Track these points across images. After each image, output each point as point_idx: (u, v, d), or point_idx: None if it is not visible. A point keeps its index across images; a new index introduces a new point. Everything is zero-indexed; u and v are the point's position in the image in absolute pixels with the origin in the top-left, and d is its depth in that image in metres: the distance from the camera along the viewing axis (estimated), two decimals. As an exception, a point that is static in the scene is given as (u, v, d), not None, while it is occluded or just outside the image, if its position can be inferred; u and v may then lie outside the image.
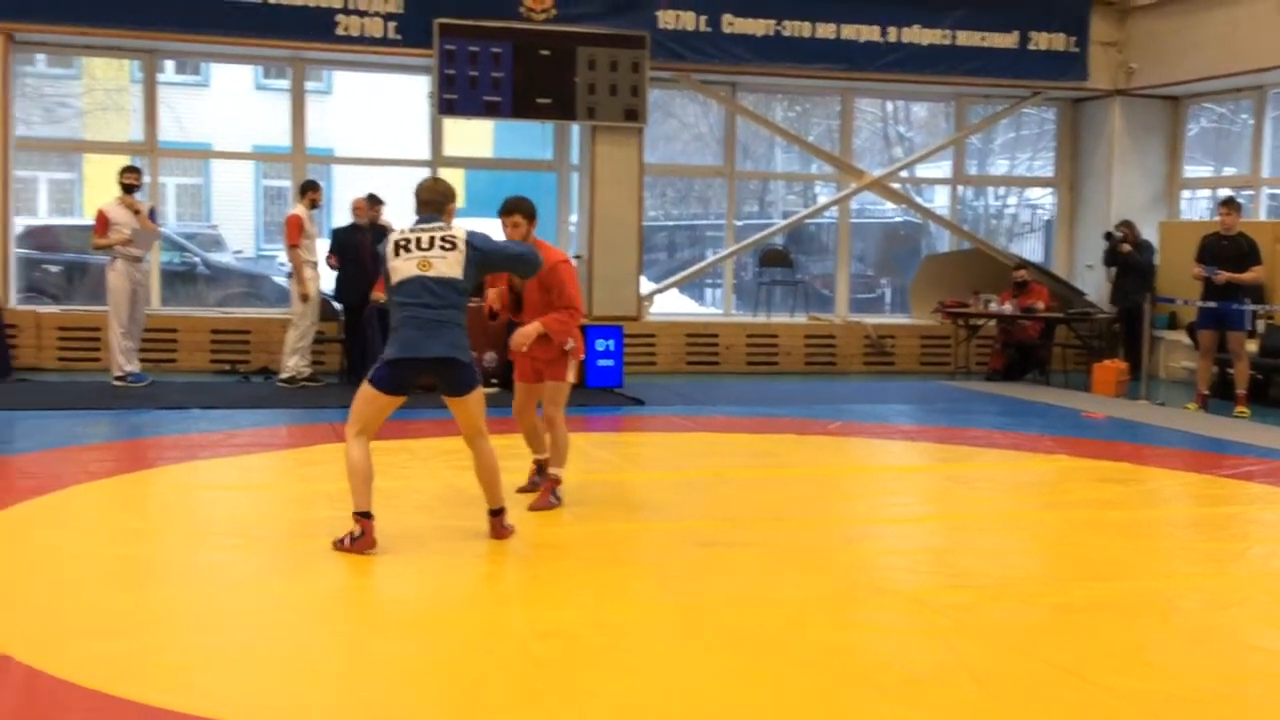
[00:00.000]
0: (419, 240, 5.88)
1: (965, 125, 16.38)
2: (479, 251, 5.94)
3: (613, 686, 4.14)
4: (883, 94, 17.65)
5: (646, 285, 15.35)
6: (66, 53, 17.16)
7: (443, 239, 5.88)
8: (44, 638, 4.43)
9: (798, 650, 4.55)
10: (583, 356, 7.17)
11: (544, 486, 6.90)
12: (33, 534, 6.16)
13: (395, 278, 5.88)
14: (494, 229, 6.69)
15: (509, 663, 4.37)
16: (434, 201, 6.07)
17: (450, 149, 14.92)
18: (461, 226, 6.04)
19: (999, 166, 21.97)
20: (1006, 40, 15.11)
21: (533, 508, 6.73)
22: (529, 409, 7.09)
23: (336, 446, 8.49)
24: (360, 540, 5.75)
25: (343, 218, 16.46)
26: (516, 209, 6.67)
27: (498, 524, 6.18)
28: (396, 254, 5.89)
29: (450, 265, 5.85)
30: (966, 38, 14.98)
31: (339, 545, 5.78)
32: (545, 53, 13.69)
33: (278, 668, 4.28)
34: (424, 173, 14.63)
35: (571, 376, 6.94)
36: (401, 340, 5.85)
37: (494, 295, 6.86)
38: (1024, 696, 4.17)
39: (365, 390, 5.94)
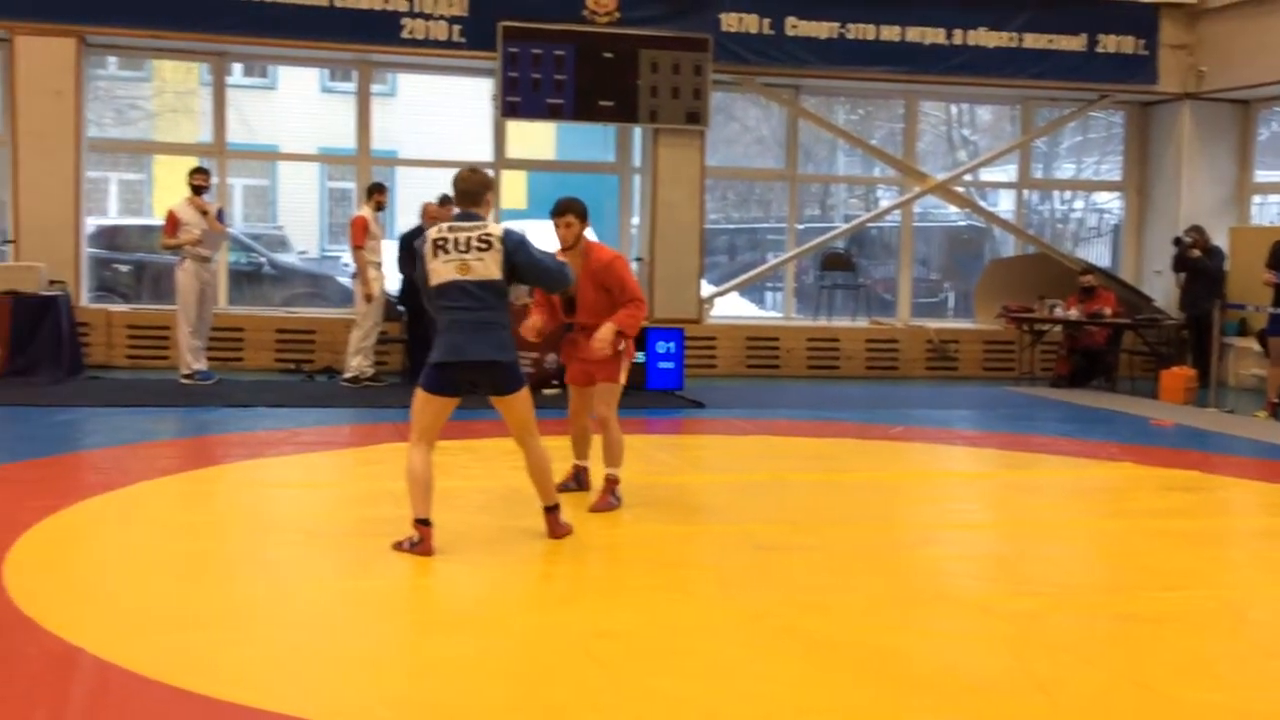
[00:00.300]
0: (456, 241, 5.82)
1: (1031, 128, 16.22)
2: (511, 253, 5.85)
3: (672, 687, 4.13)
4: (947, 97, 17.55)
5: (707, 288, 15.34)
6: (137, 55, 17.44)
7: (479, 239, 5.81)
8: (115, 631, 4.50)
9: (858, 655, 4.53)
10: (635, 357, 7.14)
11: (604, 487, 6.91)
12: (103, 529, 6.27)
13: (434, 280, 5.85)
14: (550, 229, 6.72)
15: (569, 662, 4.38)
16: (472, 192, 5.96)
17: (513, 151, 15.01)
18: (500, 225, 5.97)
19: (1065, 170, 21.73)
20: (1074, 43, 14.95)
21: (593, 509, 6.74)
22: (583, 412, 7.10)
23: (398, 446, 8.55)
24: (418, 546, 5.77)
25: (406, 219, 16.61)
26: (569, 209, 6.66)
27: (553, 521, 6.20)
28: (435, 255, 5.85)
29: (488, 266, 5.81)
30: (1034, 40, 14.85)
31: (398, 547, 5.82)
32: (608, 55, 13.73)
33: (342, 663, 4.33)
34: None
35: (623, 377, 6.92)
36: (445, 344, 5.86)
37: (529, 327, 6.66)
38: (1089, 706, 4.12)
39: (418, 395, 5.96)
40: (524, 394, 6.02)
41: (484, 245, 5.81)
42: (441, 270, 5.82)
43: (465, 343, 5.80)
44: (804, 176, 17.77)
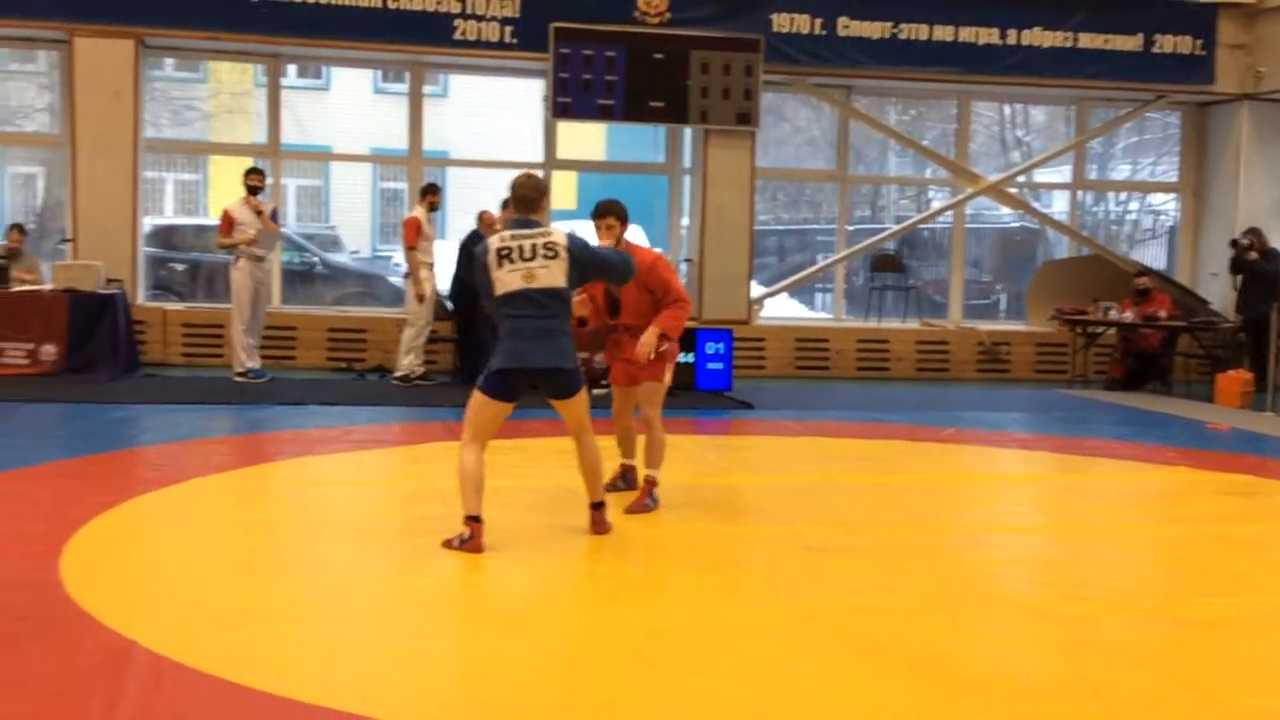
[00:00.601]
0: (521, 249, 5.86)
1: (1086, 129, 16.07)
2: (577, 259, 5.94)
3: (721, 688, 4.13)
4: (1001, 97, 17.41)
5: (757, 289, 15.31)
6: (194, 57, 17.63)
7: (545, 247, 5.86)
8: (169, 625, 4.55)
9: (909, 658, 4.50)
10: (678, 357, 7.13)
11: (642, 489, 6.91)
12: (158, 524, 6.34)
13: (500, 289, 5.88)
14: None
15: (618, 662, 4.38)
16: (530, 199, 6.02)
17: (563, 152, 15.04)
18: (560, 230, 6.02)
19: (1120, 171, 21.49)
20: (1130, 43, 14.79)
21: (629, 510, 6.73)
22: (627, 412, 7.11)
23: (449, 444, 8.60)
24: (469, 543, 5.80)
25: (457, 220, 16.66)
26: (610, 211, 6.65)
27: (598, 518, 6.24)
28: (500, 264, 5.87)
29: (553, 274, 5.86)
30: (1089, 40, 14.71)
31: (448, 545, 5.85)
32: (659, 56, 13.74)
33: (392, 659, 4.35)
34: (537, 175, 14.76)
35: (668, 377, 6.93)
36: (509, 350, 5.89)
37: (580, 304, 6.69)
38: (1142, 711, 4.07)
39: (476, 397, 5.99)
40: (583, 395, 6.12)
41: (550, 254, 5.86)
42: (507, 279, 5.85)
43: (529, 350, 5.86)
44: (855, 177, 17.68)
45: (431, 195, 12.30)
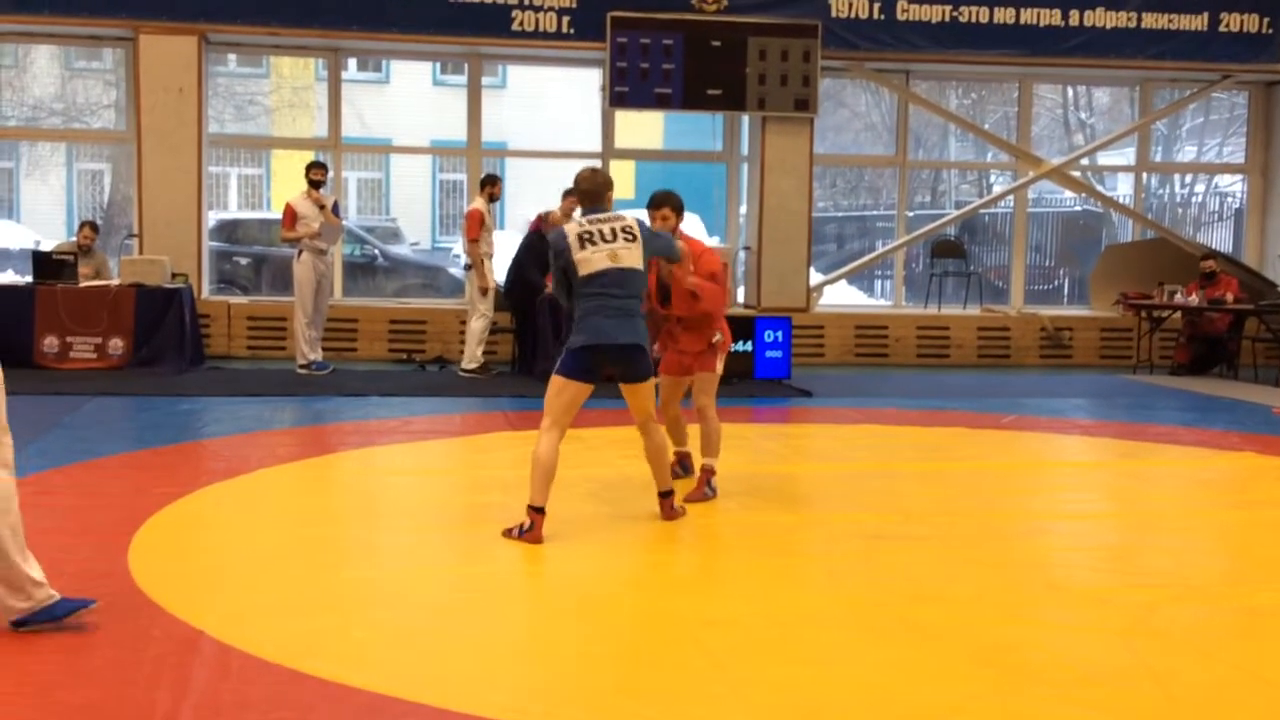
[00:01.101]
0: (602, 233, 5.99)
1: (1150, 110, 15.83)
2: (647, 242, 6.10)
3: (780, 677, 4.13)
4: (1063, 79, 17.22)
5: (816, 277, 15.25)
6: (256, 53, 17.86)
7: (624, 230, 6.01)
8: (234, 614, 4.63)
9: (971, 646, 4.48)
10: (730, 347, 7.15)
11: (699, 478, 6.92)
12: (223, 515, 6.44)
13: (586, 269, 5.96)
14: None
15: (677, 650, 4.40)
16: (595, 192, 6.19)
17: (621, 141, 15.05)
18: (629, 215, 6.16)
19: (1186, 153, 21.19)
20: (1195, 22, 14.54)
21: (688, 499, 6.73)
22: (675, 402, 7.14)
23: (508, 434, 8.67)
24: (529, 533, 5.83)
25: (516, 210, 16.73)
26: (666, 202, 6.71)
27: (667, 506, 6.29)
28: (582, 246, 5.97)
29: (633, 256, 6.00)
30: (1153, 20, 14.48)
31: (508, 534, 5.89)
32: (716, 44, 13.71)
33: (456, 647, 4.40)
34: (595, 165, 14.80)
35: (720, 366, 6.96)
36: (591, 328, 5.97)
37: None
38: (1206, 700, 4.03)
39: (555, 381, 6.04)
40: (652, 383, 6.23)
41: (630, 237, 6.02)
42: (594, 259, 5.97)
43: (612, 328, 5.96)
44: (914, 163, 17.57)
45: (491, 186, 12.32)
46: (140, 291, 12.04)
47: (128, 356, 11.97)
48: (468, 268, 12.48)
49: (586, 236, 5.99)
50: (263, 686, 3.95)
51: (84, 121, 22.08)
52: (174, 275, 12.50)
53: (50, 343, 11.86)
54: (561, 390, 6.00)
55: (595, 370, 6.02)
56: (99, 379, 11.20)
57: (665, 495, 6.31)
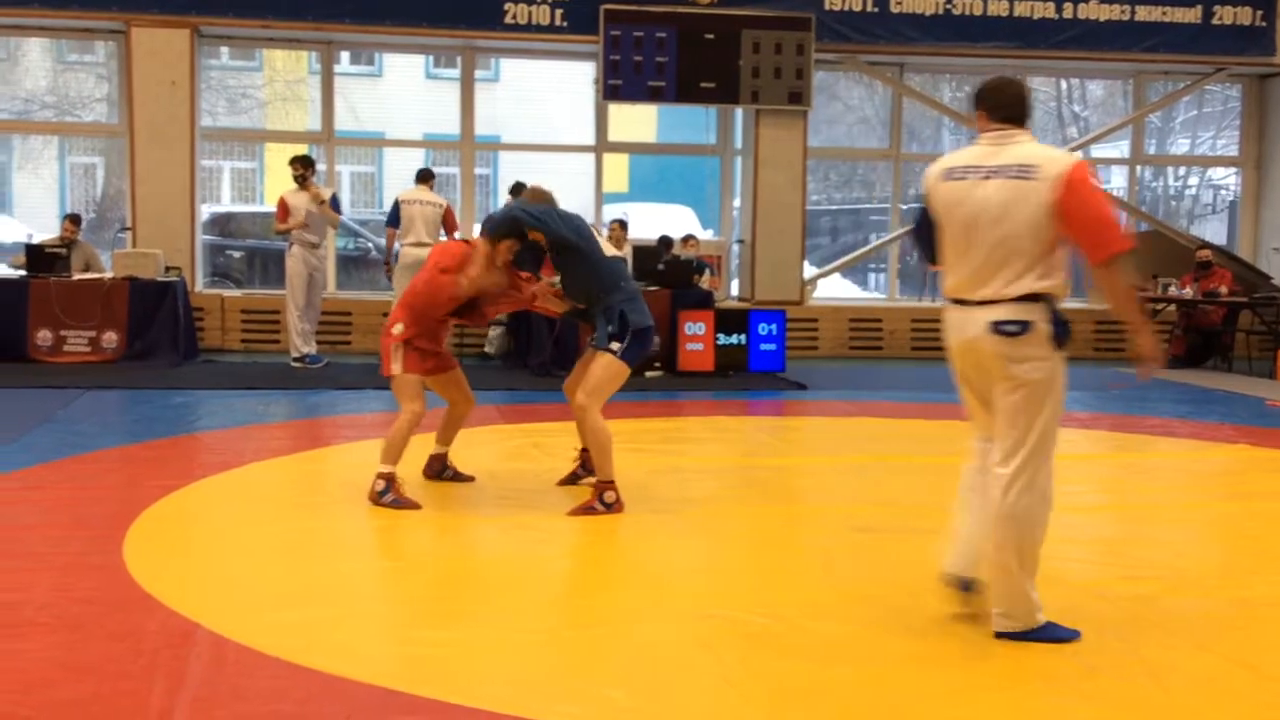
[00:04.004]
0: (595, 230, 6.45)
1: (1144, 103, 15.85)
2: None
3: (777, 669, 4.13)
4: (1057, 72, 17.22)
5: (810, 270, 15.25)
6: (249, 45, 17.77)
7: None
8: (231, 607, 4.62)
9: (968, 638, 4.48)
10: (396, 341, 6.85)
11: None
12: (219, 508, 6.43)
13: (610, 252, 6.33)
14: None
15: (673, 643, 4.40)
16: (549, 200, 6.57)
17: (614, 134, 15.05)
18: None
19: (1180, 146, 21.20)
20: (1188, 14, 14.56)
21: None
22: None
23: (500, 428, 8.66)
24: (616, 506, 6.14)
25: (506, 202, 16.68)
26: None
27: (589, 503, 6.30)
28: (597, 235, 6.41)
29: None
30: (1146, 12, 14.50)
31: (589, 511, 6.12)
32: (709, 36, 13.70)
33: (453, 639, 4.39)
34: (588, 158, 14.80)
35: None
36: (641, 309, 6.27)
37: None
38: (1201, 691, 4.04)
39: (619, 369, 6.19)
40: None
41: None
42: (608, 248, 6.34)
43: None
44: (908, 155, 17.55)
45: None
46: (134, 285, 12.02)
47: (121, 350, 11.95)
48: None
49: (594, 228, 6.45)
50: (260, 679, 3.94)
51: (76, 115, 22.01)
52: (167, 269, 12.47)
53: (44, 336, 11.84)
54: (620, 376, 6.24)
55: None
56: (92, 372, 11.18)
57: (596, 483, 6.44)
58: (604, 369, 6.15)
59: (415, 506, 6.24)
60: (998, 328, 4.29)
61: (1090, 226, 4.19)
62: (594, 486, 6.22)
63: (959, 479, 4.76)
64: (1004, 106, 4.36)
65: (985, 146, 4.36)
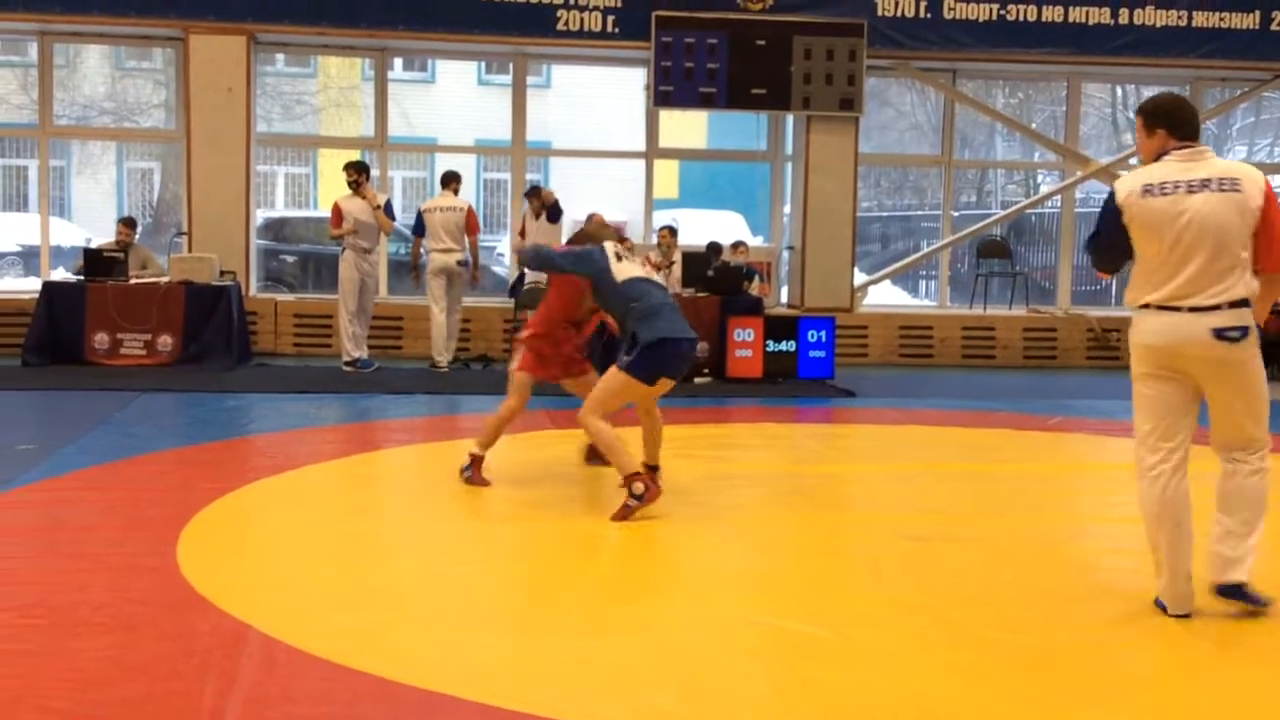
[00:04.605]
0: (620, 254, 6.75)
1: (1201, 110, 15.64)
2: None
3: (824, 678, 4.12)
4: (1112, 78, 17.07)
5: (860, 277, 15.19)
6: (303, 52, 18.00)
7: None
8: (282, 609, 4.66)
9: (1013, 648, 4.45)
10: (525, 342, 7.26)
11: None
12: (271, 510, 6.50)
13: (624, 275, 6.57)
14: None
15: (719, 650, 4.40)
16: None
17: (665, 140, 15.07)
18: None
19: (1237, 152, 20.94)
20: (1246, 20, 14.37)
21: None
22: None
23: (554, 433, 8.68)
24: (648, 493, 6.18)
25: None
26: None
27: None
28: (619, 260, 6.64)
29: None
30: (1203, 18, 14.32)
31: (625, 515, 6.15)
32: (761, 43, 13.69)
33: (502, 644, 4.41)
34: (639, 164, 14.84)
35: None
36: (663, 323, 6.47)
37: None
38: (1255, 704, 3.99)
39: (627, 381, 6.46)
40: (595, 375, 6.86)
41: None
42: (628, 269, 6.61)
43: (680, 321, 6.53)
44: (960, 162, 17.48)
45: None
46: (189, 289, 12.16)
47: (176, 353, 12.09)
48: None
49: (618, 254, 6.70)
50: (310, 681, 3.98)
51: (134, 120, 22.35)
52: (222, 273, 12.61)
53: (101, 339, 12.00)
54: (626, 390, 6.54)
55: (668, 368, 6.55)
56: (148, 375, 11.32)
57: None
58: (606, 381, 6.52)
59: (485, 484, 6.90)
60: (1222, 334, 4.60)
61: (1275, 235, 4.63)
62: (622, 485, 6.30)
63: (1215, 489, 4.76)
64: (1185, 124, 4.76)
65: (1178, 163, 4.69)
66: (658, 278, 6.87)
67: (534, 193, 12.56)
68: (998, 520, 6.58)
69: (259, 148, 14.31)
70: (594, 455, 7.25)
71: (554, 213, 12.33)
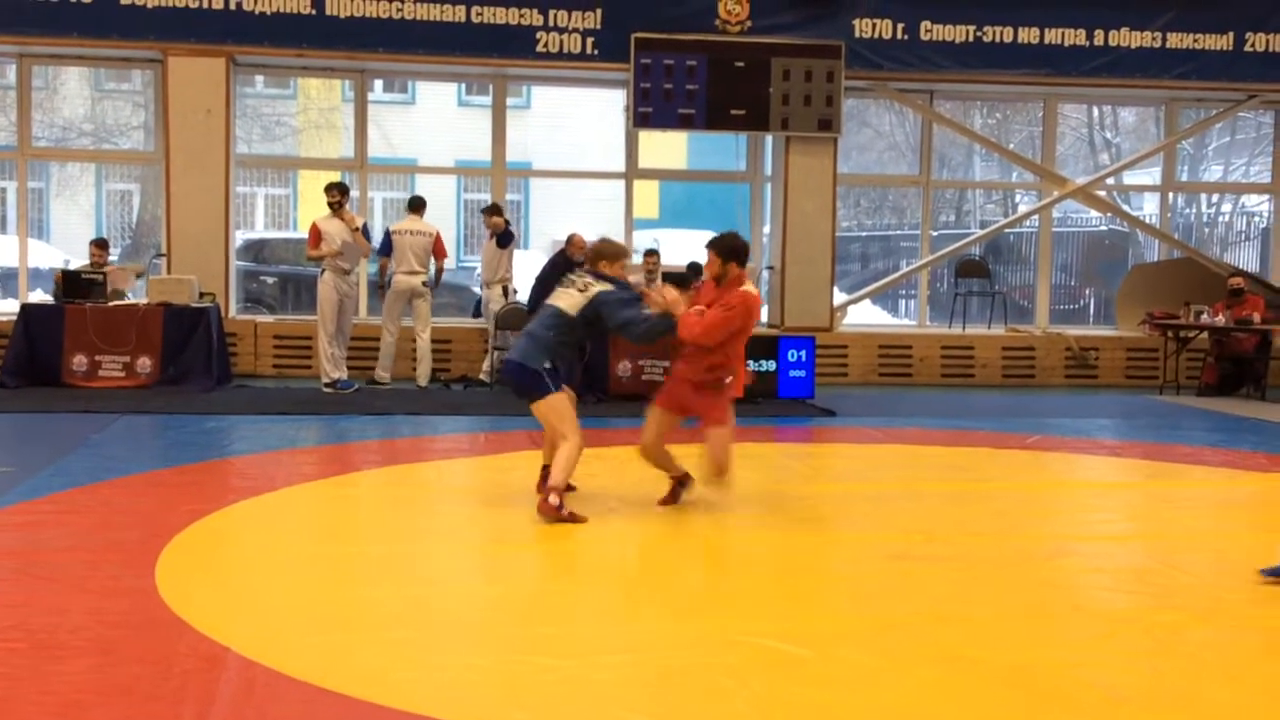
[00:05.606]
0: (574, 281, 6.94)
1: (1176, 130, 15.79)
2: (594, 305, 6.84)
3: (803, 697, 4.13)
4: (1088, 99, 17.19)
5: (839, 296, 15.24)
6: (283, 74, 17.98)
7: (580, 286, 6.88)
8: (261, 631, 4.65)
9: (993, 667, 4.47)
10: (738, 393, 7.13)
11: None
12: (249, 532, 6.48)
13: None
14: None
15: (700, 669, 4.40)
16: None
17: (645, 161, 15.11)
18: (600, 283, 6.90)
19: (1212, 172, 21.10)
20: (1220, 41, 14.52)
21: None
22: (658, 436, 7.05)
23: (532, 454, 8.67)
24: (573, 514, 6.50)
25: (539, 230, 16.83)
26: (711, 246, 7.36)
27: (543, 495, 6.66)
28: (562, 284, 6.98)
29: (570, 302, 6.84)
30: (1178, 40, 14.45)
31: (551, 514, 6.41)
32: (739, 64, 13.76)
33: (480, 666, 4.41)
34: (619, 185, 14.88)
35: (728, 419, 6.95)
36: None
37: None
38: (1234, 723, 4.01)
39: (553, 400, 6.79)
40: (543, 403, 6.85)
41: (580, 290, 6.98)
42: (559, 297, 6.96)
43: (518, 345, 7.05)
44: (939, 182, 17.57)
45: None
46: (168, 311, 12.13)
47: (155, 375, 12.05)
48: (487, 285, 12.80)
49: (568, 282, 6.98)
50: (289, 704, 3.97)
51: (113, 142, 22.31)
52: (201, 294, 12.58)
53: (79, 361, 11.96)
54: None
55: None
56: (127, 397, 11.28)
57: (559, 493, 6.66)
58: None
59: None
60: None
61: None
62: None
63: None
64: None
65: None
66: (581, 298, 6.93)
67: (492, 210, 12.87)
68: (977, 539, 6.60)
69: (238, 169, 14.30)
70: (671, 498, 7.09)
71: (504, 238, 12.67)
